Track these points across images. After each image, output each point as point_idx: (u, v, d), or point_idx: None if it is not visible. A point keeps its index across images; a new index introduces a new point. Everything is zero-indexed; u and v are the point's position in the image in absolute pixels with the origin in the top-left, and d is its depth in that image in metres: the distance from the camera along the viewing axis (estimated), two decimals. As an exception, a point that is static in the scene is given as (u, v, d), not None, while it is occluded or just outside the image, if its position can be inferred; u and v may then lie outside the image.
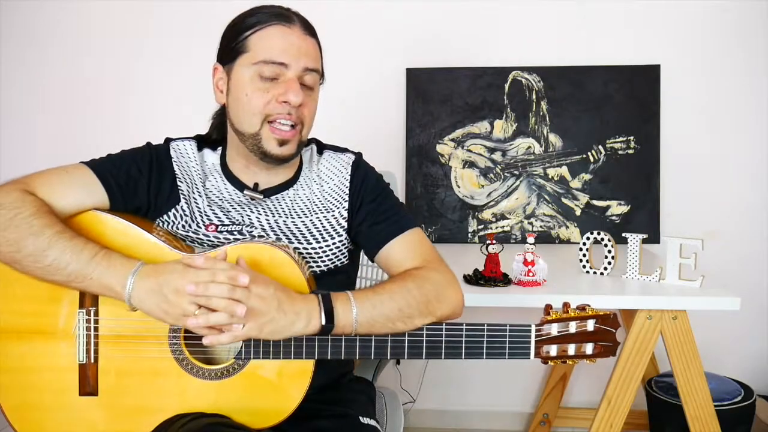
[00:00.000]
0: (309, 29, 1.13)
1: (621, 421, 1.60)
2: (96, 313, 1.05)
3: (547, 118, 2.29)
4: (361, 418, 1.15)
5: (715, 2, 2.26)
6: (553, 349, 1.02)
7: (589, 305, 1.05)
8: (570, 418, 2.35)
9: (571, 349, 1.03)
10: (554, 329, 1.02)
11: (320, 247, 1.17)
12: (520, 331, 1.03)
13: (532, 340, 1.02)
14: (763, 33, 2.26)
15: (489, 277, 1.60)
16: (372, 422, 1.16)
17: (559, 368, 2.29)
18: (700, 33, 2.28)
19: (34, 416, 1.05)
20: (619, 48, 2.29)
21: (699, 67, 2.29)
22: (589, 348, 1.03)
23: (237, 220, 1.16)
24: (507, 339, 1.03)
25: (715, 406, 1.61)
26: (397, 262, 1.14)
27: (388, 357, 1.05)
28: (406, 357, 1.05)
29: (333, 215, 1.19)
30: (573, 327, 1.03)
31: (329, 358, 1.04)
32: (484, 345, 1.03)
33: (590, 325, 1.03)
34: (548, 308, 1.05)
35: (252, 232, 1.15)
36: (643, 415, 2.17)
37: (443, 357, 1.04)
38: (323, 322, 0.99)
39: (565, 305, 1.06)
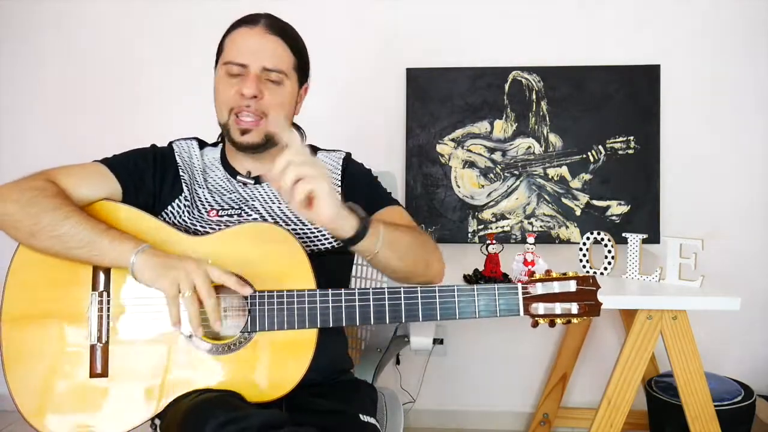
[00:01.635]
0: (273, 28, 1.22)
1: (621, 421, 1.60)
2: (108, 295, 1.09)
3: (547, 118, 2.30)
4: (361, 416, 1.15)
5: (715, 2, 2.27)
6: (540, 308, 1.11)
7: (569, 271, 1.15)
8: (570, 418, 2.35)
9: (558, 308, 1.12)
10: (539, 288, 1.12)
11: (317, 228, 1.24)
12: (507, 289, 1.12)
13: (520, 296, 1.11)
14: (763, 33, 2.26)
15: (489, 277, 1.60)
16: (372, 420, 1.16)
17: (559, 368, 2.30)
18: (700, 33, 2.28)
19: (44, 400, 1.06)
20: (619, 48, 2.29)
21: (699, 67, 2.29)
22: (574, 308, 1.12)
23: (236, 204, 1.24)
24: (496, 297, 1.10)
25: (715, 406, 1.62)
26: None
27: (387, 321, 1.09)
28: (404, 320, 1.10)
29: None
30: (557, 287, 1.12)
31: (331, 325, 1.08)
32: (476, 304, 1.10)
33: (572, 285, 1.12)
34: (531, 273, 1.15)
35: (251, 215, 1.22)
36: (643, 415, 2.17)
37: (438, 318, 1.10)
38: (361, 216, 1.06)
39: (548, 271, 1.15)
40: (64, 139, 2.42)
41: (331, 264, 1.24)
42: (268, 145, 1.23)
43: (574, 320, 1.13)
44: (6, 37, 2.43)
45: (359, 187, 1.29)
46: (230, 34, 1.24)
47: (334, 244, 1.25)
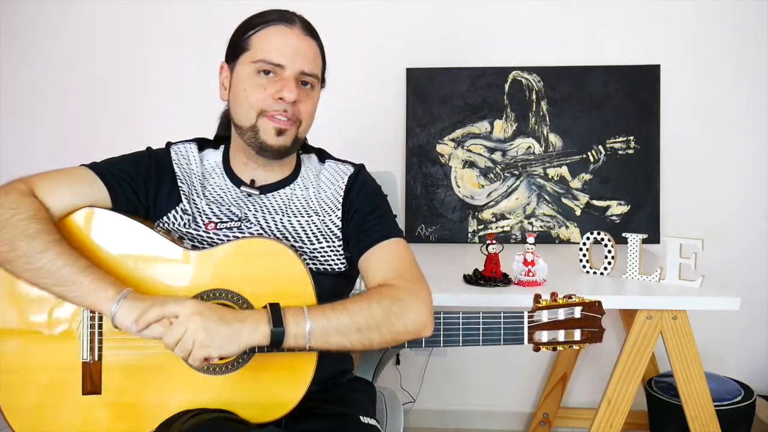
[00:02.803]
0: (310, 31, 1.17)
1: (621, 421, 1.60)
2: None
3: (547, 118, 2.29)
4: (361, 417, 1.15)
5: (715, 2, 2.26)
6: (544, 336, 1.10)
7: (575, 294, 1.13)
8: (570, 418, 2.35)
9: (561, 335, 1.10)
10: (544, 316, 1.10)
11: (315, 248, 1.19)
12: (513, 317, 1.09)
13: (525, 326, 1.09)
14: (762, 33, 2.26)
15: (489, 277, 1.60)
16: (372, 422, 1.16)
17: (559, 368, 2.29)
18: (700, 33, 2.28)
19: (35, 417, 1.04)
20: (619, 48, 2.29)
21: (699, 67, 2.29)
22: (577, 334, 1.11)
23: (235, 216, 1.18)
24: (501, 325, 1.09)
25: (715, 406, 1.61)
26: (373, 271, 1.14)
27: (389, 347, 1.08)
28: (407, 345, 1.08)
29: (327, 220, 1.21)
30: (561, 314, 1.10)
31: (332, 350, 1.05)
32: (480, 332, 1.08)
33: (577, 312, 1.10)
34: (537, 297, 1.11)
35: (250, 228, 1.17)
36: (643, 415, 2.17)
37: (441, 344, 1.08)
38: (271, 326, 0.97)
39: (553, 294, 1.13)
40: (65, 139, 2.42)
41: (334, 284, 1.19)
42: (291, 150, 1.17)
43: (576, 346, 1.11)
44: (7, 38, 2.43)
45: (357, 216, 1.19)
46: (261, 29, 1.13)
47: (340, 266, 1.20)
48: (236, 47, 1.16)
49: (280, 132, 1.12)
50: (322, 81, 1.22)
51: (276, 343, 0.98)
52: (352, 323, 1.01)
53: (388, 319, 1.03)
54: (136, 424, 1.05)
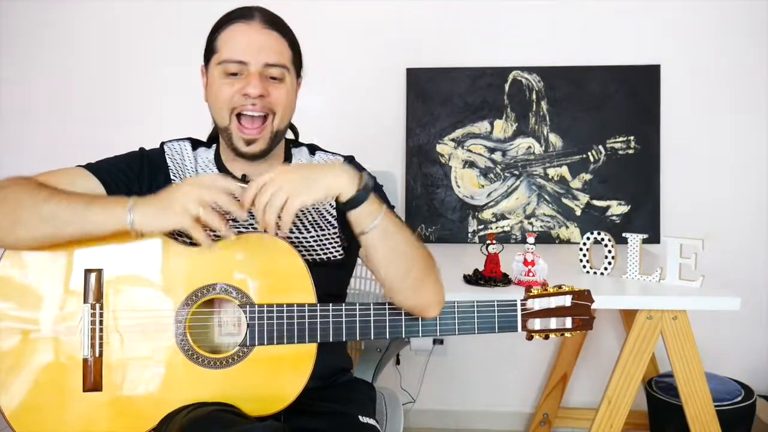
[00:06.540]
0: (271, 23, 1.17)
1: (621, 421, 1.60)
2: (101, 307, 1.05)
3: (547, 118, 2.29)
4: (360, 417, 1.15)
5: (715, 2, 2.26)
6: (536, 323, 1.13)
7: (565, 284, 1.17)
8: (570, 418, 2.35)
9: (553, 323, 1.14)
10: (536, 304, 1.13)
11: (312, 237, 1.21)
12: (506, 305, 1.13)
13: (518, 313, 1.12)
14: (763, 33, 2.26)
15: (489, 277, 1.60)
16: (371, 421, 1.16)
17: (559, 368, 2.29)
18: (700, 33, 2.28)
19: (36, 416, 1.04)
20: (619, 48, 2.29)
21: (699, 67, 2.29)
22: (568, 322, 1.14)
23: None
24: (495, 313, 1.12)
25: (715, 406, 1.61)
26: None
27: (387, 336, 1.09)
28: (404, 335, 1.10)
29: (321, 208, 1.23)
30: (553, 302, 1.14)
31: (331, 340, 1.07)
32: (475, 320, 1.11)
33: (567, 300, 1.14)
34: (529, 288, 1.15)
35: (246, 221, 1.17)
36: (643, 415, 2.17)
37: (438, 333, 1.11)
38: (358, 184, 0.99)
39: (544, 284, 1.17)
40: (62, 141, 2.42)
41: (330, 275, 1.20)
42: (270, 148, 1.18)
43: (568, 334, 1.14)
44: (6, 38, 2.43)
45: None
46: (222, 31, 1.16)
47: (337, 255, 1.22)
48: (208, 49, 1.19)
49: (249, 142, 1.15)
50: (300, 69, 1.23)
51: (358, 200, 0.99)
52: (404, 243, 1.04)
53: (423, 265, 1.07)
54: (137, 419, 1.05)
